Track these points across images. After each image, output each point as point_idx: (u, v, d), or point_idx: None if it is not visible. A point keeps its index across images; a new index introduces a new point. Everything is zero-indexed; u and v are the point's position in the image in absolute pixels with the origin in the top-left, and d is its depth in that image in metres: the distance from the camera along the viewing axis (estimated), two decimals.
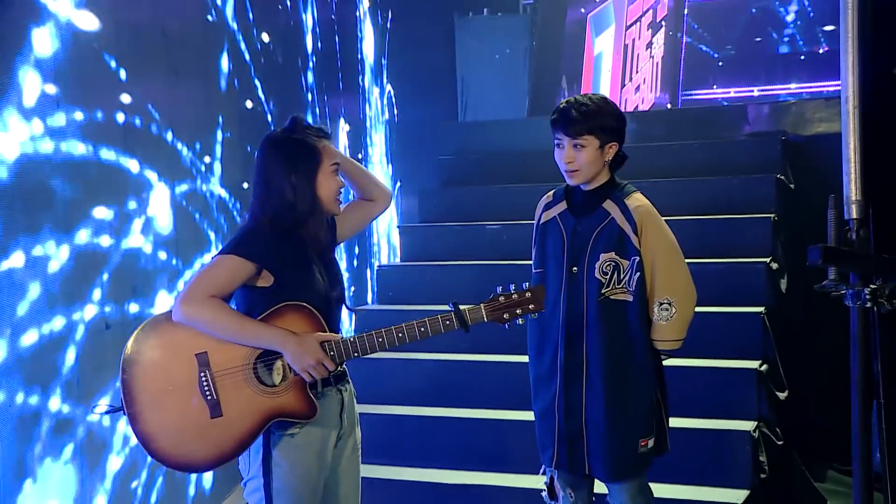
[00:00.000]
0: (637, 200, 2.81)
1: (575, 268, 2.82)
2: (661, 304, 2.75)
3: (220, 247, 2.58)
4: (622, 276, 2.77)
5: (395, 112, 7.54)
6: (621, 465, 2.84)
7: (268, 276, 2.46)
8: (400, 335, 2.46)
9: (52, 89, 3.12)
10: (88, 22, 3.34)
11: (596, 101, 2.79)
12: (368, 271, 6.03)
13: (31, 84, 3.02)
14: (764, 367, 4.11)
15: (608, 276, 2.78)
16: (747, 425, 3.87)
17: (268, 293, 2.46)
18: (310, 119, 5.47)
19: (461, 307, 2.50)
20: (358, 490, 2.68)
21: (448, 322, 2.48)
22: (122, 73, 3.54)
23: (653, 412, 2.86)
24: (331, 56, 5.99)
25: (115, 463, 3.42)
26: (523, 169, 5.62)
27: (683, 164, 5.36)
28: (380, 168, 7.16)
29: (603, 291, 2.78)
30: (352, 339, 2.44)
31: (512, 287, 2.55)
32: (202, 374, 2.39)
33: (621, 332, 2.81)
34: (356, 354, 2.44)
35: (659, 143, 5.70)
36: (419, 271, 5.31)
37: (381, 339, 2.44)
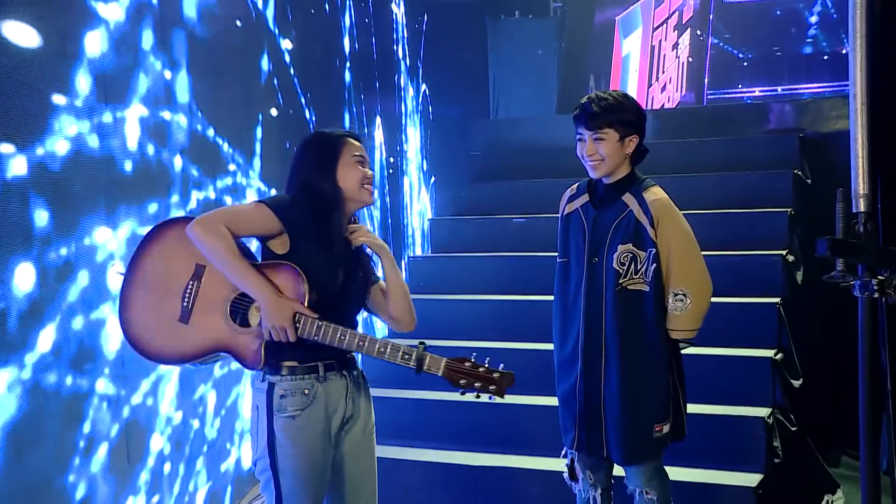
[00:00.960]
0: (655, 194, 2.80)
1: (595, 258, 2.81)
2: (676, 294, 2.74)
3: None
4: (639, 267, 2.76)
5: (430, 110, 7.54)
6: (636, 449, 2.83)
7: (286, 241, 2.48)
8: (360, 343, 2.43)
9: (100, 88, 3.16)
10: (136, 25, 3.38)
11: (615, 96, 2.79)
12: (404, 262, 6.05)
13: (82, 83, 3.06)
14: (779, 356, 4.07)
15: (625, 267, 2.77)
16: (762, 412, 3.84)
17: (280, 259, 2.47)
18: (347, 116, 5.53)
19: (424, 353, 2.44)
20: (373, 473, 2.69)
21: (406, 357, 2.44)
22: (168, 74, 3.57)
23: (668, 398, 2.84)
24: (367, 56, 6.00)
25: (157, 442, 3.46)
26: (549, 164, 5.61)
27: (704, 160, 5.34)
28: (415, 164, 7.18)
29: (620, 281, 2.78)
30: (320, 324, 2.41)
31: (486, 361, 2.46)
32: (191, 282, 2.48)
33: (637, 321, 2.80)
34: (316, 338, 2.41)
35: (681, 140, 5.67)
36: (448, 262, 5.32)
37: (342, 337, 2.41)
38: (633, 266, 2.76)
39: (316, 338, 2.41)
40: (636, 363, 2.80)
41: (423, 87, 7.25)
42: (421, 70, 7.14)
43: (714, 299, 3.97)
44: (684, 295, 2.72)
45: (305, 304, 2.41)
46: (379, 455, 4.08)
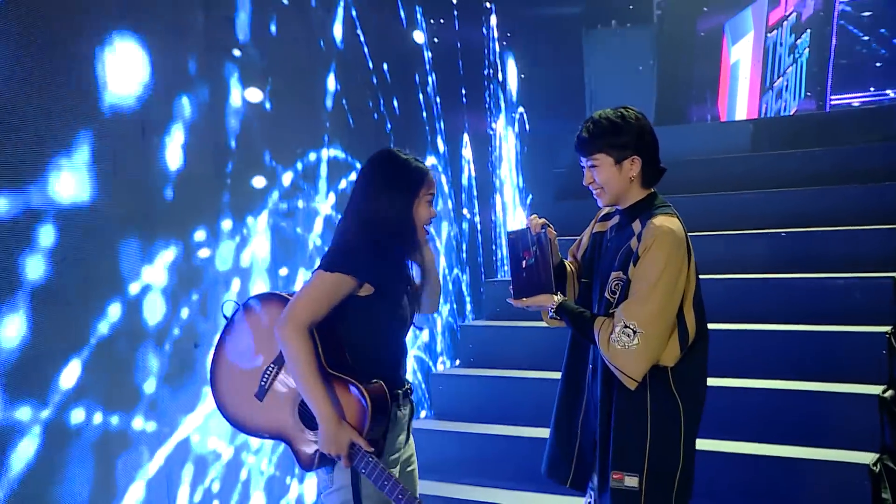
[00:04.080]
0: (655, 221, 2.42)
1: (601, 285, 2.54)
2: (627, 326, 2.34)
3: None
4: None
5: (527, 126, 7.29)
6: (603, 494, 2.50)
7: (368, 287, 2.45)
8: (398, 494, 2.32)
9: (138, 114, 3.04)
10: (179, 50, 3.26)
11: (609, 117, 2.48)
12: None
13: (122, 109, 2.95)
14: (888, 393, 3.57)
15: (616, 296, 2.45)
16: (867, 457, 3.36)
17: (366, 301, 2.45)
18: (428, 134, 5.35)
19: None
20: (416, 488, 2.69)
21: None
22: (216, 98, 3.43)
23: (641, 445, 2.44)
24: (453, 72, 5.80)
25: (204, 480, 3.30)
26: None
27: (806, 171, 4.84)
28: (509, 181, 6.92)
29: (611, 311, 2.46)
30: (370, 459, 2.35)
31: None
32: (272, 365, 2.50)
33: None
34: (363, 472, 2.37)
35: (778, 152, 5.18)
36: None
37: (385, 482, 2.33)
38: (622, 295, 2.43)
39: (363, 471, 2.37)
40: (616, 399, 2.47)
41: (517, 101, 7.02)
42: (516, 85, 6.91)
43: (813, 328, 3.54)
44: (633, 332, 2.33)
45: (364, 433, 2.37)
46: (443, 495, 3.89)
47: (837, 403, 3.58)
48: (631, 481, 2.42)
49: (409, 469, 2.64)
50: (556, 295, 2.53)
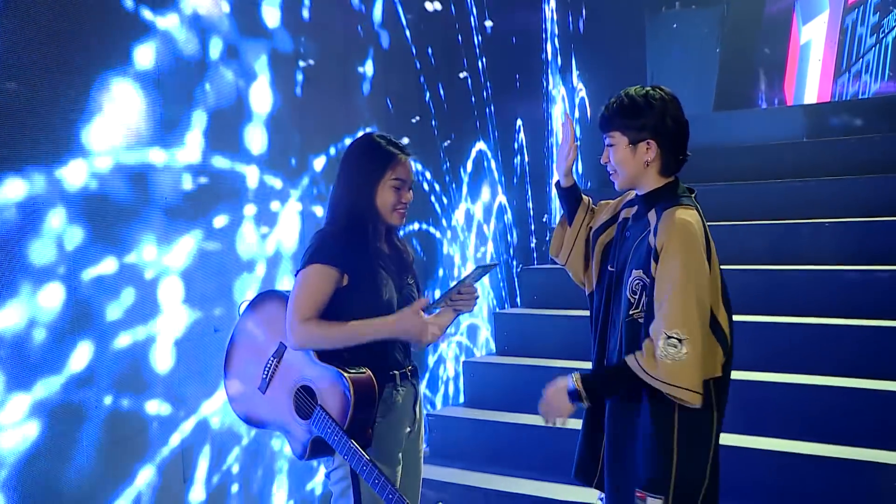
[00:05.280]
0: (672, 215, 2.24)
1: (619, 278, 2.39)
2: (670, 337, 2.14)
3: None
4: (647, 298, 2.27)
5: (588, 112, 7.16)
6: None
7: (346, 277, 2.44)
8: (381, 486, 2.26)
9: (157, 100, 3.06)
10: (200, 35, 3.27)
11: (632, 95, 2.33)
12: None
13: (142, 93, 2.98)
14: None
15: (637, 297, 2.27)
16: None
17: (345, 292, 2.43)
18: (477, 119, 5.29)
19: None
20: (419, 482, 2.69)
21: None
22: (241, 84, 3.44)
23: (667, 467, 2.25)
24: (506, 56, 5.72)
25: (223, 462, 3.33)
26: (696, 167, 5.05)
27: (860, 159, 4.57)
28: None
29: (631, 312, 2.30)
30: (364, 459, 2.32)
31: None
32: (272, 358, 2.54)
33: None
34: (350, 461, 2.34)
35: (832, 138, 4.93)
36: (563, 274, 4.90)
37: (368, 475, 2.29)
38: (643, 296, 2.26)
39: (350, 461, 2.34)
40: (642, 413, 2.30)
41: (580, 87, 6.89)
42: (576, 69, 6.77)
43: (857, 322, 3.37)
44: (679, 340, 2.13)
45: (348, 421, 2.33)
46: (466, 483, 3.84)
47: (876, 401, 3.39)
48: (654, 502, 2.25)
49: (414, 458, 2.62)
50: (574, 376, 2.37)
